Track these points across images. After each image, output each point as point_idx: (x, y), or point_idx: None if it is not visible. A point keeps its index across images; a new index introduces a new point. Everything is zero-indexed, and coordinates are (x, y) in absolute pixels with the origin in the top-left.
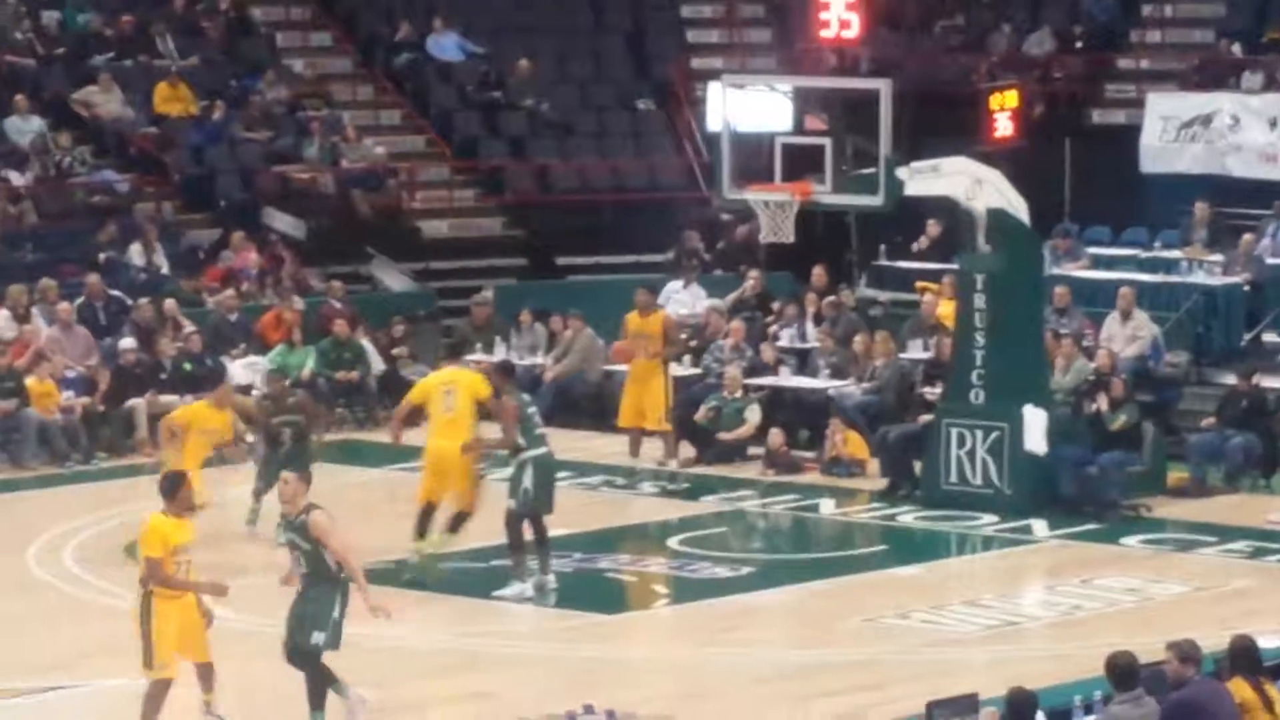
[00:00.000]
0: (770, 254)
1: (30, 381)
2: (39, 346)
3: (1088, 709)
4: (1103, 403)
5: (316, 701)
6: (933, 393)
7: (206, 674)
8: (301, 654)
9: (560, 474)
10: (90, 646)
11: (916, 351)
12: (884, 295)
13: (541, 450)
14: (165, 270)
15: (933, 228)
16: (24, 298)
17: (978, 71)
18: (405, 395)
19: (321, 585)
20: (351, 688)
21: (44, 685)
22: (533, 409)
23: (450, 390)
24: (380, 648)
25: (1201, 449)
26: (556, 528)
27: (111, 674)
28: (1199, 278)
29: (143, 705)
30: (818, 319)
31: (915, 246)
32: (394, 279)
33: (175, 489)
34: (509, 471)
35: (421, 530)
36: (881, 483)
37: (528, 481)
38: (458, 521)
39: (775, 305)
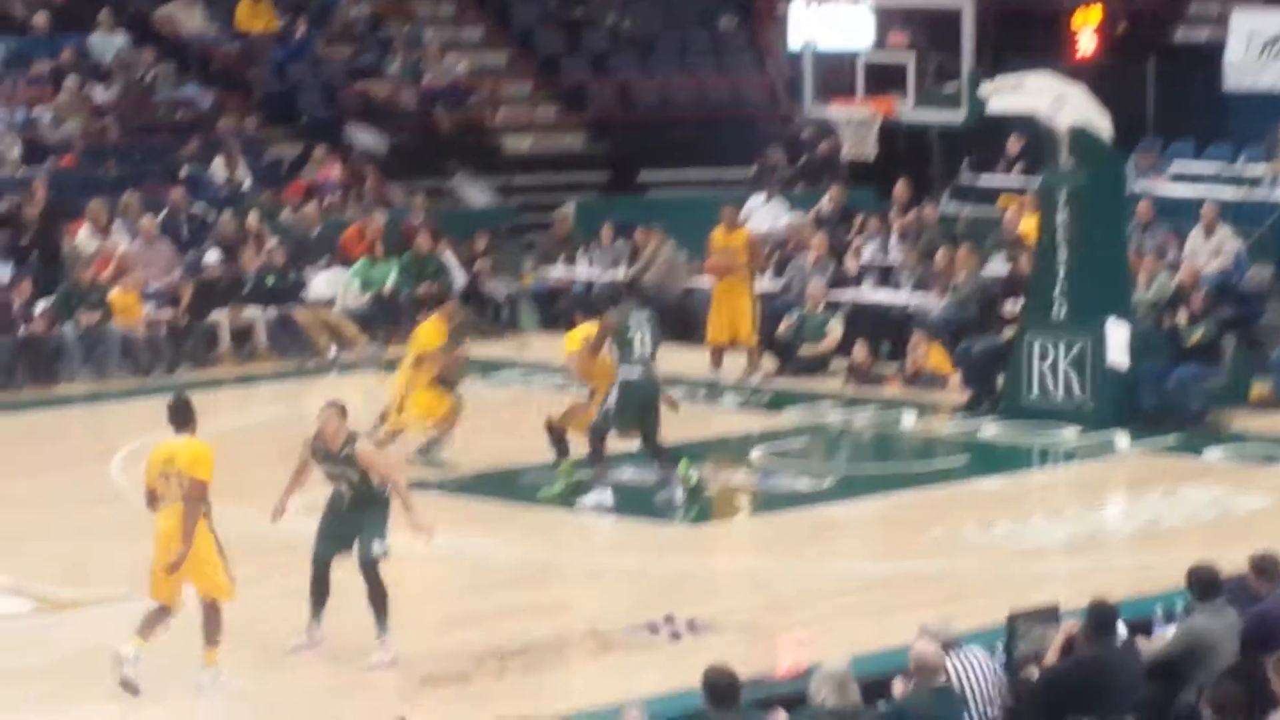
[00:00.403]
0: (852, 170)
1: (114, 295)
2: (122, 260)
3: (1169, 618)
4: (1183, 317)
5: (380, 610)
6: (1012, 309)
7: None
8: (365, 565)
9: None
10: None
11: (998, 267)
12: (966, 211)
13: (631, 375)
14: (248, 185)
15: (1014, 144)
16: (105, 213)
17: None
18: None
19: (372, 505)
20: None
21: (122, 594)
22: (634, 332)
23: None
24: (459, 558)
25: None
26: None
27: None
28: None
29: (205, 625)
30: (900, 235)
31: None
32: (475, 194)
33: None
34: None
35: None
36: (963, 396)
37: (610, 401)
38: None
39: (857, 220)
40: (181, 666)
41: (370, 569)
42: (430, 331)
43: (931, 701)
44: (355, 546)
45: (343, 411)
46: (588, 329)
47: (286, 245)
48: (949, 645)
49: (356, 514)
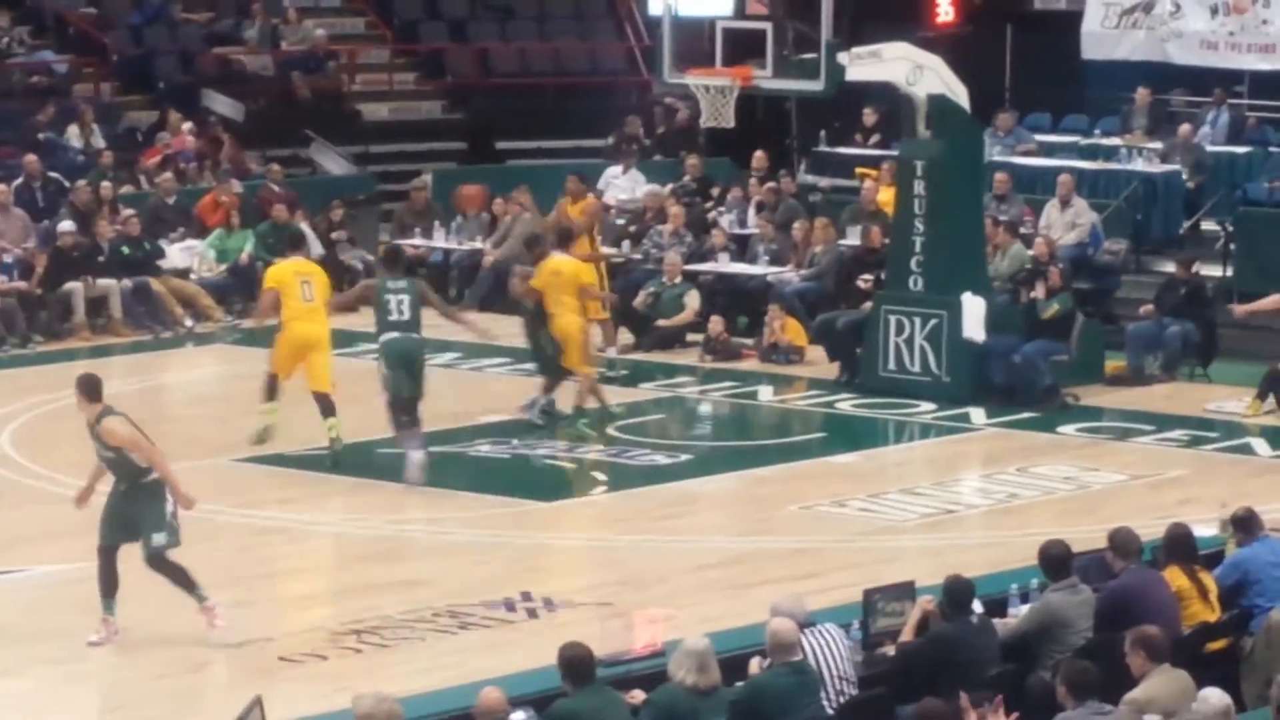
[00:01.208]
0: (710, 139)
1: None
2: None
3: (1024, 597)
4: (1039, 290)
5: (188, 585)
6: (866, 280)
7: None
8: (151, 558)
9: (495, 360)
10: (26, 531)
11: (856, 238)
12: (824, 181)
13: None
14: (103, 152)
15: (870, 115)
16: None
17: None
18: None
19: (144, 490)
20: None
21: None
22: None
23: (307, 281)
24: (314, 534)
25: (1139, 337)
26: (493, 414)
27: (47, 559)
28: (1139, 165)
29: None
30: (758, 206)
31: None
32: (333, 162)
33: None
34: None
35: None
36: (819, 369)
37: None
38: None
39: (714, 191)
40: (38, 646)
41: (155, 562)
42: (578, 267)
43: (787, 679)
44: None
45: (86, 385)
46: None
47: (142, 214)
48: (804, 623)
49: (131, 499)
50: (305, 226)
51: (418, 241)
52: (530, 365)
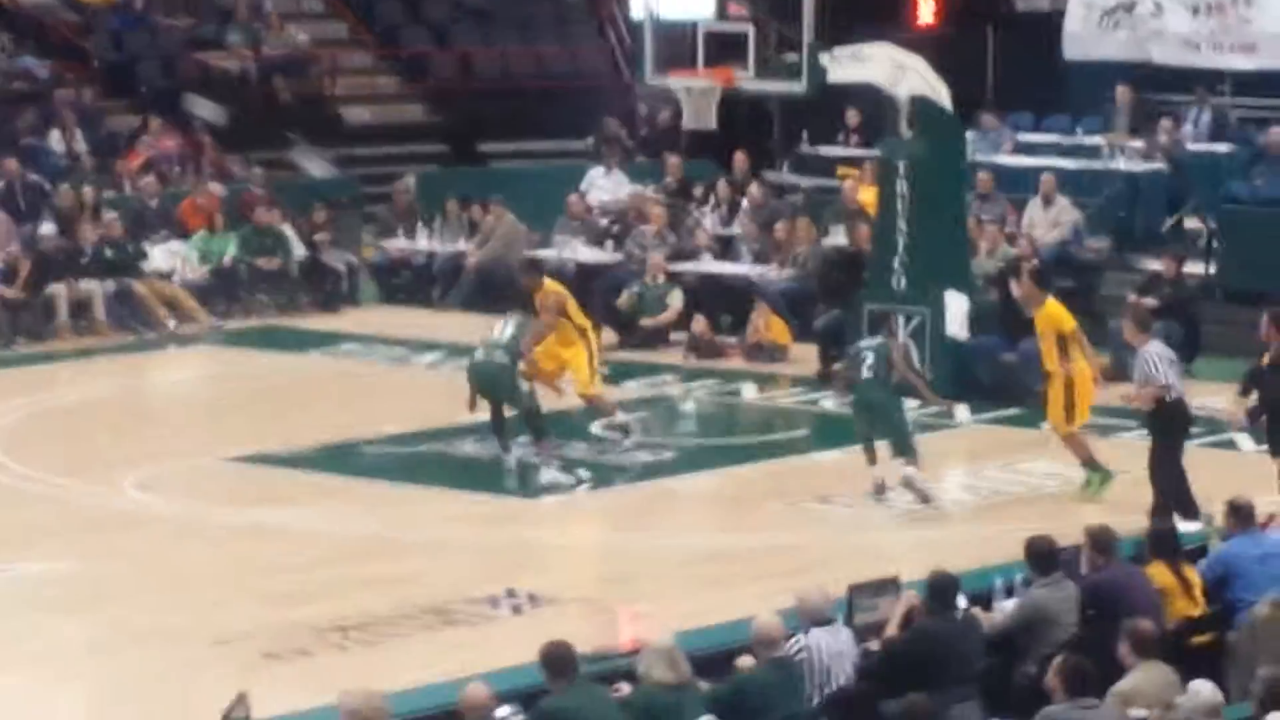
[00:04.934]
0: (692, 141)
1: None
2: None
3: (1008, 591)
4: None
5: None
6: (850, 279)
7: None
8: None
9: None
10: (10, 530)
11: (838, 237)
12: (805, 181)
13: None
14: (85, 156)
15: (852, 116)
16: None
17: None
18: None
19: None
20: None
21: None
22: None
23: None
24: (299, 532)
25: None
26: (475, 413)
27: (35, 558)
28: (1121, 164)
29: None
30: (740, 206)
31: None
32: (315, 165)
33: None
34: None
35: None
36: (803, 367)
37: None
38: None
39: (696, 192)
40: (24, 645)
41: None
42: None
43: (770, 675)
44: None
45: None
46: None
47: (125, 217)
48: (823, 620)
49: None
50: (288, 229)
51: (400, 244)
52: None
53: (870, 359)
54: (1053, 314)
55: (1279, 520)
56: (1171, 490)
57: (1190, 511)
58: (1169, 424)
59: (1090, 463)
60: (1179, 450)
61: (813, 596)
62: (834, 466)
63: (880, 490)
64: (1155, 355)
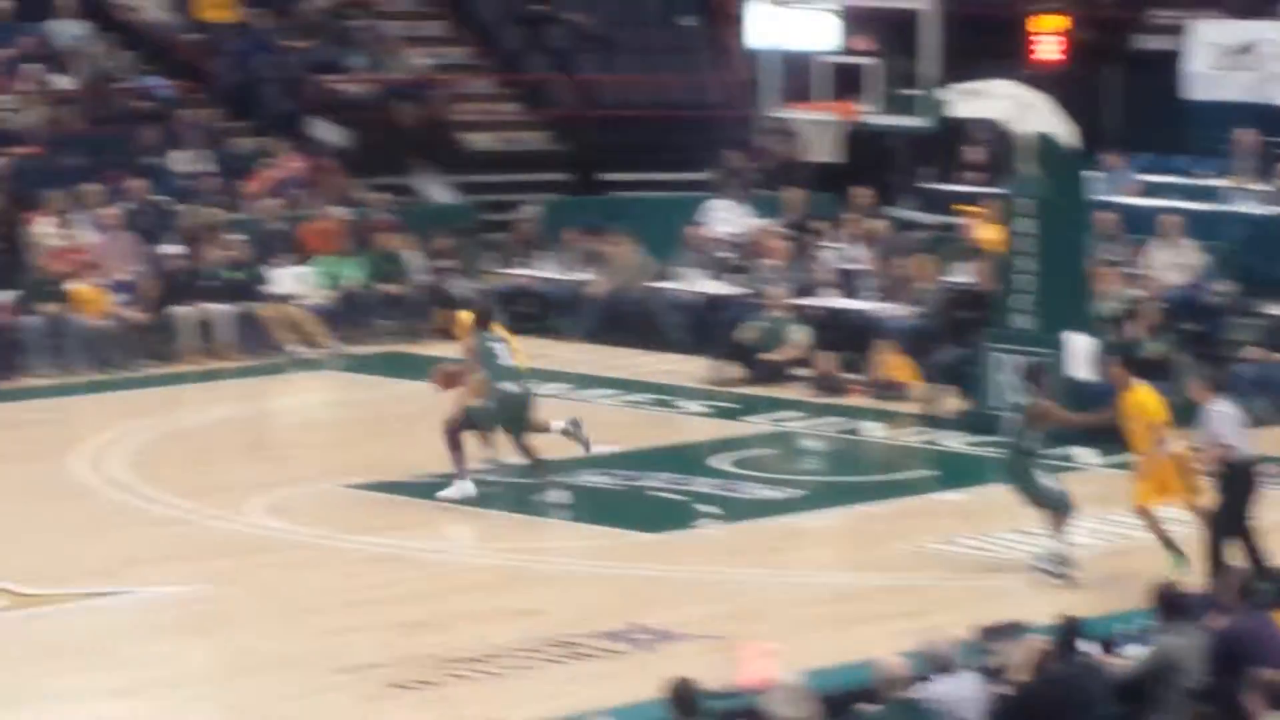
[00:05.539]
0: (812, 174)
1: (79, 287)
2: (88, 253)
3: (1136, 638)
4: (1140, 330)
5: None
6: (973, 317)
7: None
8: None
9: (602, 391)
10: (137, 552)
11: (960, 275)
12: (927, 218)
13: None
14: (208, 177)
15: (974, 151)
16: (66, 204)
17: None
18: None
19: None
20: None
21: (91, 590)
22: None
23: None
24: (423, 562)
25: (1248, 379)
26: (602, 445)
27: (157, 581)
28: (1245, 206)
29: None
30: (862, 241)
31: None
32: (436, 191)
33: None
34: None
35: None
36: (928, 406)
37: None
38: None
39: (817, 226)
40: (150, 668)
41: None
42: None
43: (897, 716)
44: None
45: None
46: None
47: (248, 240)
48: (948, 666)
49: None
50: (411, 254)
51: (521, 272)
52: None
53: (1009, 430)
54: (1143, 401)
55: None
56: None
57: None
58: (1231, 484)
59: (1168, 544)
60: (1242, 510)
61: (938, 641)
62: (958, 507)
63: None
64: (1221, 414)
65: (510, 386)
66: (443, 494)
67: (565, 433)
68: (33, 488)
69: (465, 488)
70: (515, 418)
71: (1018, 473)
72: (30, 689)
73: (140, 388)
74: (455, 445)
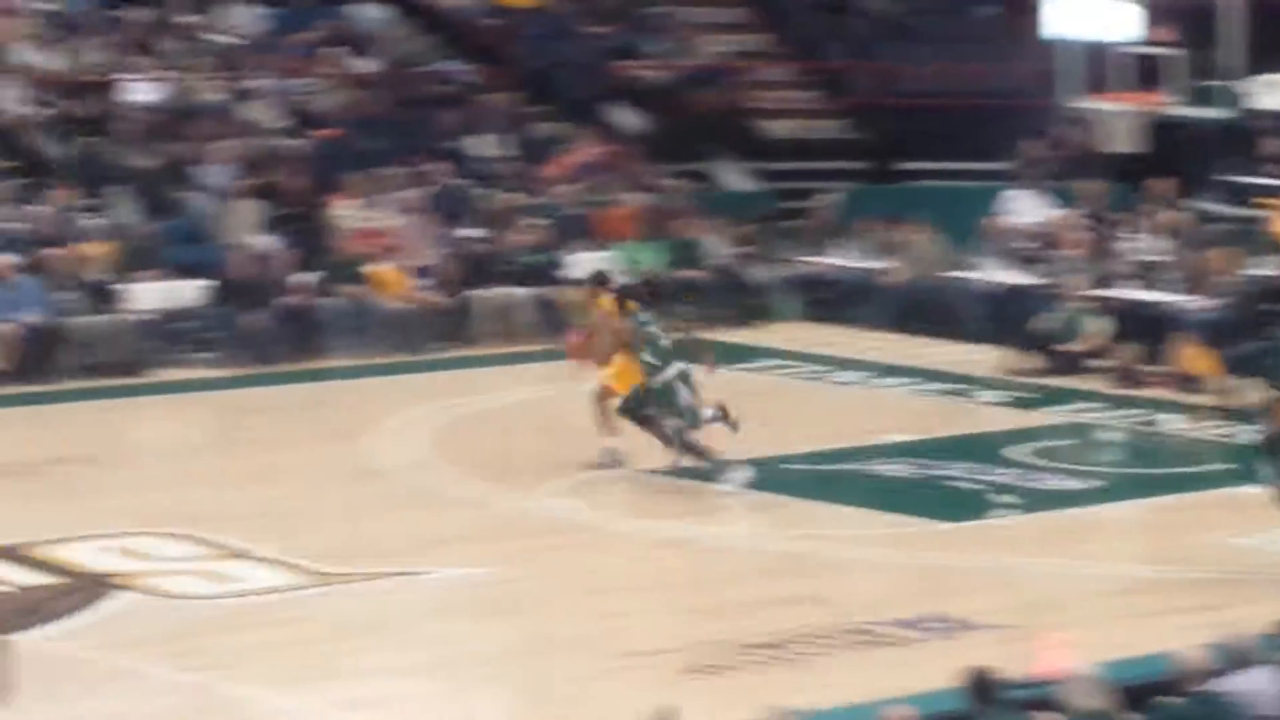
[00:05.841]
0: (1111, 165)
1: (381, 269)
2: (393, 236)
3: None
4: None
5: None
6: (1275, 310)
7: None
8: None
9: (899, 380)
10: (435, 534)
11: (1262, 268)
12: (1228, 210)
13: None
14: (508, 162)
15: (1273, 145)
16: (367, 186)
17: None
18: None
19: None
20: None
21: (386, 570)
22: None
23: None
24: (711, 548)
25: None
26: (895, 433)
27: (455, 563)
28: None
29: None
30: (1161, 232)
31: None
32: (734, 178)
33: None
34: None
35: None
36: (1228, 399)
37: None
38: None
39: (1115, 217)
40: (448, 647)
41: None
42: None
43: (1195, 711)
44: None
45: None
46: None
47: (547, 225)
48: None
49: None
50: (711, 241)
51: (818, 259)
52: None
53: None
54: None
55: None
56: None
57: None
58: None
59: None
60: None
61: (1238, 635)
62: (1257, 502)
63: None
64: None
65: (667, 372)
66: (723, 483)
67: (714, 420)
68: (331, 468)
69: (741, 474)
70: (670, 403)
71: None
72: (326, 666)
73: (439, 370)
74: (694, 449)
